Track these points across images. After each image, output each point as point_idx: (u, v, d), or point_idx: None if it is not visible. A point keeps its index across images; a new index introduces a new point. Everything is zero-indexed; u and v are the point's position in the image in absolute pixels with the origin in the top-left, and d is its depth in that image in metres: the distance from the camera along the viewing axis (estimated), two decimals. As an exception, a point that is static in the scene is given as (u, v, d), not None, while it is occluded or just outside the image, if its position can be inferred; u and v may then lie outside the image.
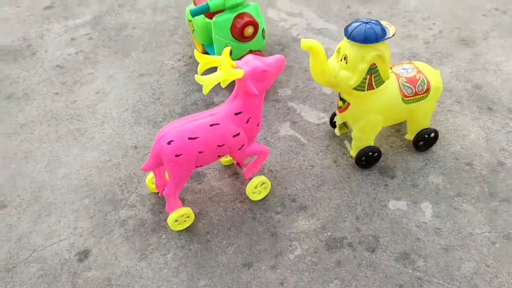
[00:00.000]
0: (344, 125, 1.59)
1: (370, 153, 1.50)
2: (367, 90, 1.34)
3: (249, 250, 1.35)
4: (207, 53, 2.01)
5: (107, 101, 1.89)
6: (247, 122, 1.31)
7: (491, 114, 1.69)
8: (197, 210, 1.46)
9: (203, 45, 1.99)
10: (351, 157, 1.55)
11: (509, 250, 1.31)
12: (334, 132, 1.63)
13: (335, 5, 2.34)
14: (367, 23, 1.26)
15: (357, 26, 1.26)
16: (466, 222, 1.38)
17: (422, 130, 1.53)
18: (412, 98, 1.42)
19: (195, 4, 1.94)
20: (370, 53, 1.27)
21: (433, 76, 1.46)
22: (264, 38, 1.83)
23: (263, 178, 1.46)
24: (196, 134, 1.27)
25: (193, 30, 1.99)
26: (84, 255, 1.37)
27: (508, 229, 1.35)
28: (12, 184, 1.60)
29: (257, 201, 1.47)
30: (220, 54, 1.31)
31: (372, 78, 1.33)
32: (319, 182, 1.52)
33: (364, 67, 1.28)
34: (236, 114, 1.30)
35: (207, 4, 1.69)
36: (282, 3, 2.40)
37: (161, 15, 2.41)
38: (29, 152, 1.71)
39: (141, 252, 1.37)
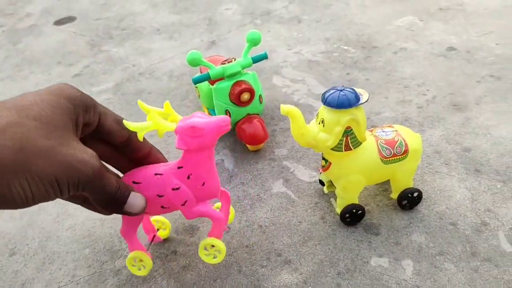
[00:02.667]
0: (331, 183, 1.67)
1: (354, 211, 1.56)
2: (345, 150, 1.44)
3: (232, 302, 1.41)
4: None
5: (118, 159, 2.04)
6: (188, 178, 1.26)
7: (478, 176, 1.74)
8: (187, 262, 1.54)
9: (208, 108, 2.16)
10: (337, 214, 1.62)
11: (489, 311, 1.31)
12: (323, 190, 1.72)
13: (335, 72, 2.50)
14: (341, 90, 1.38)
15: (332, 93, 1.38)
16: (446, 281, 1.39)
17: (405, 189, 1.59)
18: (390, 159, 1.50)
19: (201, 72, 2.13)
20: (345, 117, 1.37)
21: (412, 139, 1.54)
22: (261, 103, 1.97)
23: (214, 241, 1.36)
24: (140, 179, 1.27)
25: (199, 96, 2.17)
26: (78, 301, 1.46)
27: (488, 289, 1.36)
28: (23, 234, 1.74)
29: (242, 257, 1.55)
30: None
31: (349, 140, 1.42)
32: (305, 238, 1.58)
33: (339, 130, 1.39)
34: (178, 168, 1.27)
35: (208, 73, 1.87)
36: (287, 71, 2.57)
37: (176, 82, 2.63)
38: (42, 206, 1.86)
39: (131, 301, 1.45)
